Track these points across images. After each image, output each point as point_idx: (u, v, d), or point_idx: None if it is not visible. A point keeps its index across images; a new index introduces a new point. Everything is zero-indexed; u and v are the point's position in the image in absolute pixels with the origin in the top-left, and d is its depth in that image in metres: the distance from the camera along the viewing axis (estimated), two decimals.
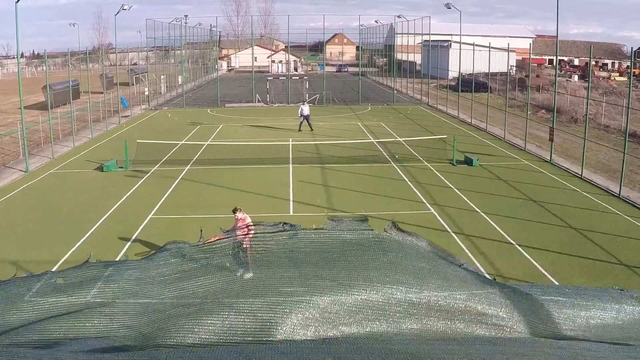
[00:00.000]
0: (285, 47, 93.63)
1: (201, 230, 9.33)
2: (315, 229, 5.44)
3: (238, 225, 13.61)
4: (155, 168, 26.90)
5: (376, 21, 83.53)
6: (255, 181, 24.36)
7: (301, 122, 38.24)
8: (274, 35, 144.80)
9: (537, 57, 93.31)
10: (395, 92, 60.76)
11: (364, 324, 4.38)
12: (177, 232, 18.10)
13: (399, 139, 33.45)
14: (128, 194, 22.61)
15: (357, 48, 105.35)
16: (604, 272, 14.68)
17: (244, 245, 13.36)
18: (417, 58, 76.52)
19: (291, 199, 21.74)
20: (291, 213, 20.09)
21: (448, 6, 47.24)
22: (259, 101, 54.97)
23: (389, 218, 19.03)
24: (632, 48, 54.00)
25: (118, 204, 21.30)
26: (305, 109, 38.33)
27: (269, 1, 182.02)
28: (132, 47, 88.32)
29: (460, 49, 46.59)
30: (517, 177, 24.99)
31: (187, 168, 26.90)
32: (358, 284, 4.85)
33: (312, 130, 37.90)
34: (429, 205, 20.71)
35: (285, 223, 5.44)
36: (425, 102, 55.35)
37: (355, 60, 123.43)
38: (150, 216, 19.76)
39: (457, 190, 22.65)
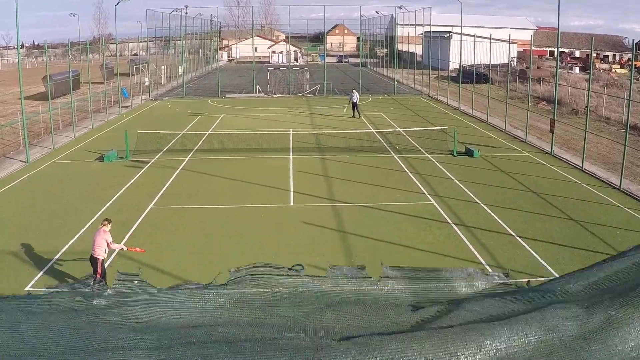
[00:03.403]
0: (286, 37, 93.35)
1: None
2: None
3: (102, 237, 13.15)
4: (155, 158, 26.89)
5: (377, 12, 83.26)
6: (256, 171, 24.35)
7: (353, 109, 39.66)
8: (275, 26, 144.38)
9: (538, 48, 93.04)
10: (395, 83, 60.64)
11: None
12: (177, 222, 18.14)
13: (400, 129, 33.42)
14: (128, 184, 22.61)
15: (358, 39, 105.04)
16: None
17: (96, 257, 13.29)
18: (417, 49, 76.31)
19: (291, 189, 21.75)
20: (291, 204, 20.10)
21: None
22: (259, 92, 54.88)
23: (389, 209, 19.09)
24: (633, 40, 53.94)
25: (118, 194, 21.31)
26: (354, 96, 39.59)
27: None
28: (133, 38, 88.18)
29: (461, 40, 46.45)
30: (518, 168, 24.98)
31: (187, 158, 26.90)
32: None
33: (359, 117, 39.06)
34: (429, 196, 20.71)
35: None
36: (425, 93, 55.23)
37: (355, 51, 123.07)
38: (150, 206, 19.77)
39: (457, 182, 22.65)
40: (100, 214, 18.80)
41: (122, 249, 13.65)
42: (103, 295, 2.96)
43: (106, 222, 13.43)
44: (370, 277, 2.75)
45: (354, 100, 39.41)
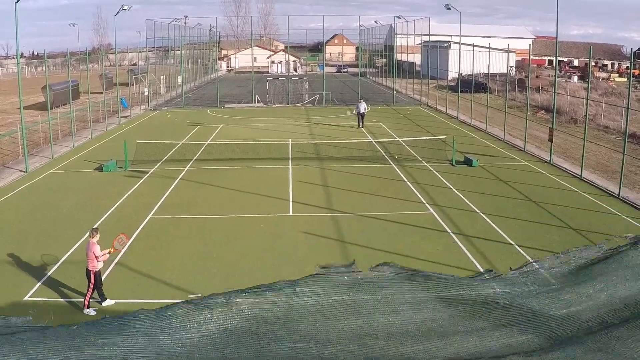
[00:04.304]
0: (285, 47, 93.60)
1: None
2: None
3: (90, 249, 12.85)
4: (154, 168, 26.89)
5: (376, 22, 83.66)
6: (255, 181, 24.35)
7: (359, 120, 39.69)
8: (274, 36, 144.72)
9: (537, 57, 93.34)
10: (394, 92, 60.77)
11: None
12: (176, 233, 18.12)
13: (399, 139, 33.45)
14: (127, 194, 22.59)
15: (357, 48, 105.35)
16: None
17: (90, 270, 12.96)
18: (416, 59, 76.57)
19: (290, 199, 21.73)
20: (290, 213, 20.09)
21: (448, 7, 47.25)
22: (258, 102, 54.95)
23: (388, 219, 19.05)
24: (631, 49, 53.89)
25: (117, 204, 21.29)
26: (362, 107, 39.57)
27: (268, 2, 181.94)
28: (132, 48, 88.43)
29: (459, 49, 46.60)
30: (517, 177, 24.98)
31: (186, 168, 26.90)
32: None
33: (362, 127, 39.07)
34: (428, 206, 20.70)
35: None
36: (424, 102, 55.33)
37: (354, 61, 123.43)
38: (149, 216, 19.75)
39: (456, 191, 22.65)
40: (99, 224, 18.77)
41: (107, 255, 13.25)
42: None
43: (94, 233, 13.10)
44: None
45: (361, 111, 39.30)
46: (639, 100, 48.85)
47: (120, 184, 24.15)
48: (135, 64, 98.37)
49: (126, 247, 16.17)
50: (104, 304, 13.07)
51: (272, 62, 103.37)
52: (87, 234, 13.30)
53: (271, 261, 15.66)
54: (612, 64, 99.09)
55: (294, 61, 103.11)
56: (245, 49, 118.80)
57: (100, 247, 13.05)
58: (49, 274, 14.85)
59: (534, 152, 30.48)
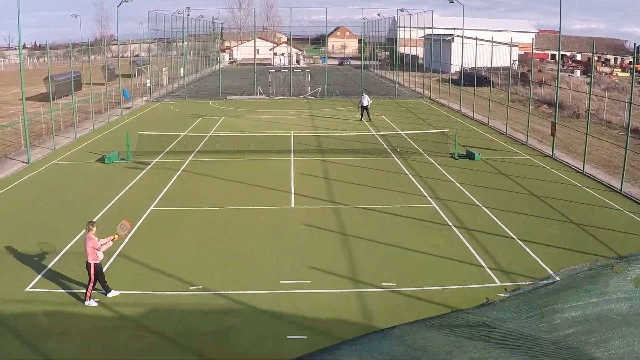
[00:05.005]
0: (288, 39, 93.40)
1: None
2: None
3: (88, 244, 12.71)
4: (156, 160, 26.90)
5: (379, 14, 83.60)
6: (257, 173, 24.35)
7: (362, 113, 39.31)
8: (277, 28, 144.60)
9: (540, 52, 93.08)
10: (397, 85, 60.63)
11: None
12: (178, 224, 18.14)
13: (401, 132, 33.41)
14: (129, 186, 22.60)
15: (360, 41, 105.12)
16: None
17: (90, 263, 12.88)
18: (419, 52, 76.34)
19: (292, 191, 21.74)
20: (292, 206, 20.09)
21: (451, 0, 47.09)
22: (260, 94, 54.91)
23: (390, 212, 19.09)
24: (635, 44, 53.61)
25: (119, 195, 21.30)
26: (365, 100, 39.22)
27: None
28: (134, 39, 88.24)
29: (462, 43, 46.45)
30: (519, 171, 24.96)
31: (188, 160, 26.90)
32: None
33: (369, 121, 38.58)
34: (430, 199, 20.70)
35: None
36: (427, 95, 55.23)
37: (357, 54, 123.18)
38: (151, 208, 19.77)
39: (458, 184, 22.63)
40: (100, 215, 18.82)
41: (110, 242, 13.17)
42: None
43: (90, 227, 12.94)
44: None
45: (365, 104, 39.19)
46: None
47: (122, 176, 24.17)
48: (137, 56, 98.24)
49: (130, 234, 16.24)
50: (109, 295, 13.08)
51: (275, 54, 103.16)
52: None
53: (272, 253, 15.67)
54: (615, 59, 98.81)
55: (297, 53, 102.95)
56: (248, 40, 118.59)
57: (100, 237, 13.05)
58: (49, 265, 14.88)
59: (536, 146, 30.44)
